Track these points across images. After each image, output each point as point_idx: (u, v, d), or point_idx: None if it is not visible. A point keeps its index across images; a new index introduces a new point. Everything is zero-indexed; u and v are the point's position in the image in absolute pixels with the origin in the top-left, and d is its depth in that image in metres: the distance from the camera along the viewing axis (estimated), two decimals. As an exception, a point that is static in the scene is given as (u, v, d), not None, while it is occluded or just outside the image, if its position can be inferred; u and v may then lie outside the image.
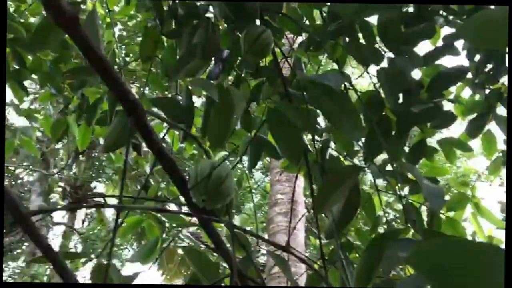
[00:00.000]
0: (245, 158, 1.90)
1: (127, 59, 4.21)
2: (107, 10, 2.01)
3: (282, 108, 1.18)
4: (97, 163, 8.22)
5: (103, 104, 1.94)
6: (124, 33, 4.89)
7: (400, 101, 1.65)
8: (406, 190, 1.84)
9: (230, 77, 2.10)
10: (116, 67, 2.52)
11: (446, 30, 2.17)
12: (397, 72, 1.58)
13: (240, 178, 3.20)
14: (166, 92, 2.15)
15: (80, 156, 7.55)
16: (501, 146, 2.11)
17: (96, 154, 7.79)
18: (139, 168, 4.20)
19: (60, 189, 8.31)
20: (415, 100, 1.64)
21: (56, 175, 6.91)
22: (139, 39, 3.55)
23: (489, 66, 2.02)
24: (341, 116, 1.04)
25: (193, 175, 1.06)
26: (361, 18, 1.43)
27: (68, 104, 2.24)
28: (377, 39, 1.71)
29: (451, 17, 1.93)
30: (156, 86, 2.16)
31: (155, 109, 1.68)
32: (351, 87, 1.65)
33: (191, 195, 1.07)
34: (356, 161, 1.88)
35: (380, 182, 1.98)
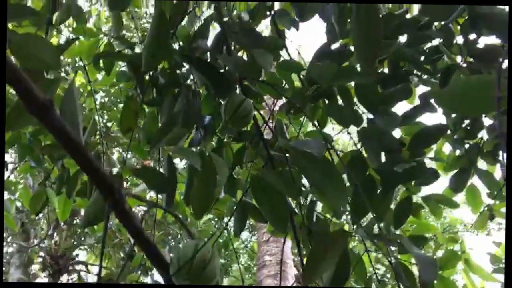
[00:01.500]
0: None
1: (109, 124, 4.21)
2: (88, 81, 2.03)
3: (266, 176, 1.17)
4: (78, 231, 8.01)
5: (84, 176, 1.91)
6: (106, 99, 4.92)
7: (383, 160, 1.66)
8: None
9: (212, 142, 2.10)
10: (98, 133, 2.50)
11: (422, 89, 2.23)
12: (378, 132, 1.59)
13: (226, 240, 3.14)
14: (149, 159, 2.13)
15: (61, 224, 7.35)
16: (486, 199, 2.12)
17: (78, 221, 7.61)
18: (122, 236, 4.09)
19: (40, 259, 8.01)
20: (398, 159, 1.65)
21: (36, 246, 6.68)
22: (121, 105, 3.56)
23: (466, 121, 2.06)
24: (324, 183, 1.03)
25: (175, 258, 1.02)
26: (338, 84, 1.46)
27: (48, 176, 2.20)
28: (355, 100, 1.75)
29: (425, 77, 1.99)
30: (138, 153, 2.14)
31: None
32: (331, 148, 1.65)
33: (173, 280, 1.02)
34: (344, 221, 1.86)
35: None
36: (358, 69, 1.41)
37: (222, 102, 1.93)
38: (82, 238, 7.85)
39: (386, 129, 1.58)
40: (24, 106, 0.63)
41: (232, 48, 1.83)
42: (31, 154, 2.02)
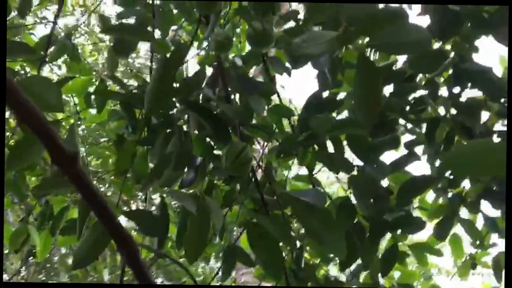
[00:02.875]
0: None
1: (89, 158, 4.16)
2: (78, 121, 2.02)
3: (262, 223, 1.18)
4: (48, 265, 7.73)
5: (69, 213, 1.87)
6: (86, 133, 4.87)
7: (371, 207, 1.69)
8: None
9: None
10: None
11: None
12: (368, 180, 1.63)
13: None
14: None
15: (31, 258, 7.09)
16: (468, 248, 2.16)
17: (51, 255, 7.35)
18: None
19: (5, 296, 7.66)
20: (385, 206, 1.68)
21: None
22: (103, 139, 3.52)
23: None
24: (323, 232, 1.04)
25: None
26: (334, 134, 1.50)
27: (30, 212, 2.15)
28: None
29: (409, 126, 2.06)
30: (125, 191, 2.12)
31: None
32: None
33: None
34: (331, 267, 1.87)
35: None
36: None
37: (213, 144, 1.96)
38: (52, 274, 7.57)
39: (376, 177, 1.62)
40: (51, 158, 0.63)
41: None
42: (16, 190, 1.98)
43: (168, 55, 1.28)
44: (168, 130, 1.82)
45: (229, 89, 1.55)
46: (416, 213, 2.17)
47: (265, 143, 2.14)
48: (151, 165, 1.79)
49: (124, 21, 1.87)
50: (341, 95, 1.90)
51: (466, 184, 2.07)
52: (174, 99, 1.51)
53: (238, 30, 2.37)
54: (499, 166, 0.62)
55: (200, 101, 1.55)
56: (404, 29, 0.85)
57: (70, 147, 0.90)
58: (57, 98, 0.95)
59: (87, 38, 5.17)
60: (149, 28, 1.89)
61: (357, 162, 1.75)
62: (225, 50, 1.29)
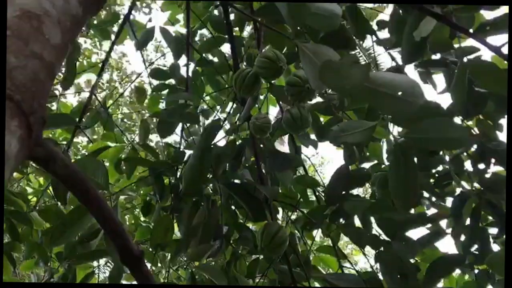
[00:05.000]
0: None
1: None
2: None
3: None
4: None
5: (93, 279, 1.88)
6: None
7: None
8: None
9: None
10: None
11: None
12: (395, 257, 1.62)
13: None
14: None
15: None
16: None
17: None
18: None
19: None
20: (413, 283, 1.66)
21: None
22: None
23: (475, 246, 2.10)
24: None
25: None
26: (371, 216, 1.52)
27: (52, 276, 2.15)
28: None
29: (434, 199, 2.07)
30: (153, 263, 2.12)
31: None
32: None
33: None
34: None
35: None
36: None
37: (238, 212, 1.97)
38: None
39: (403, 254, 1.61)
40: (119, 256, 0.66)
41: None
42: (41, 253, 2.00)
43: (204, 135, 1.34)
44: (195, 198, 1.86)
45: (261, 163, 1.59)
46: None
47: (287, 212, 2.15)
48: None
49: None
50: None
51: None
52: (219, 184, 1.55)
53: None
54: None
55: (236, 181, 1.59)
56: (444, 125, 0.89)
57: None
58: (105, 179, 1.00)
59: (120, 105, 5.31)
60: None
61: (384, 236, 1.76)
62: (264, 134, 1.34)
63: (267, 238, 1.31)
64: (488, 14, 1.37)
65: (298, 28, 1.30)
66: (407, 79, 0.88)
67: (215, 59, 2.17)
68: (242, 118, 1.49)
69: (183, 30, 2.29)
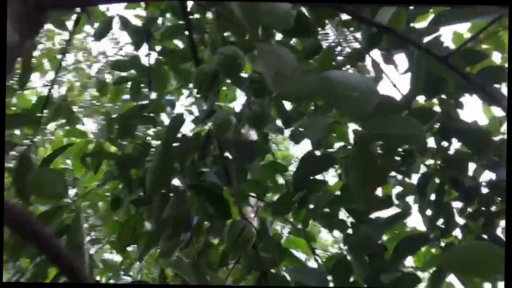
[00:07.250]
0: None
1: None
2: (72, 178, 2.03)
3: None
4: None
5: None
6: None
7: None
8: None
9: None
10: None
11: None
12: (362, 238, 1.66)
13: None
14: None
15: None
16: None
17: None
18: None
19: None
20: (381, 263, 1.71)
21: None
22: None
23: (441, 220, 2.16)
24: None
25: None
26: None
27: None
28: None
29: (400, 177, 2.12)
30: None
31: None
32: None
33: None
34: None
35: None
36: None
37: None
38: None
39: (371, 236, 1.65)
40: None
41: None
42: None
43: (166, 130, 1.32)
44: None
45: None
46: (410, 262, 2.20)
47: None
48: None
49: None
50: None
51: (458, 233, 2.11)
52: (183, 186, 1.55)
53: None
54: (494, 270, 0.66)
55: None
56: (400, 122, 0.90)
57: (75, 236, 0.92)
58: (63, 187, 0.99)
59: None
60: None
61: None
62: (225, 132, 1.33)
63: (232, 239, 1.32)
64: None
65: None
66: (363, 79, 0.88)
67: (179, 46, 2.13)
68: (204, 114, 1.48)
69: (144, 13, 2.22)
